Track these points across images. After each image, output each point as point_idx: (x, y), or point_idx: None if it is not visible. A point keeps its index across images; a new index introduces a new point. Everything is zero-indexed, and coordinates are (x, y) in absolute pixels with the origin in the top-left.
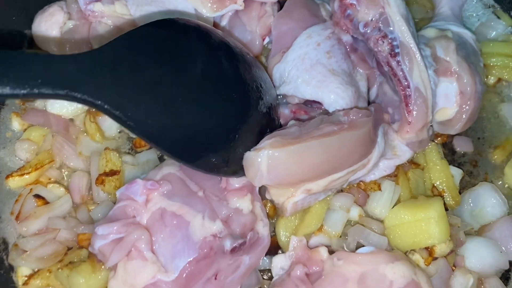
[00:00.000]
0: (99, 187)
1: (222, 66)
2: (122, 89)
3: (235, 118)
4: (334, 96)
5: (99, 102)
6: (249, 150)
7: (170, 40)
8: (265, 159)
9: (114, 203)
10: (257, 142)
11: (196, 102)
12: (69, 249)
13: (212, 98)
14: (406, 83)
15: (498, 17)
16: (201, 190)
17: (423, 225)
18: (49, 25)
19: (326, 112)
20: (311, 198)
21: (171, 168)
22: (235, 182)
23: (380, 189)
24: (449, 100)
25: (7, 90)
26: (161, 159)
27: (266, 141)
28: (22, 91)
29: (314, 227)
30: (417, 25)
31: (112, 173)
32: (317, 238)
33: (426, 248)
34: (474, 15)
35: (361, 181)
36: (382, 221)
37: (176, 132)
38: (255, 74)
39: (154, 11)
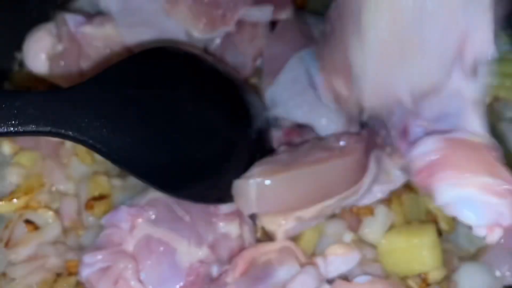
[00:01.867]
0: (88, 212)
1: (211, 94)
2: (108, 123)
3: (224, 147)
4: (326, 120)
5: (84, 138)
6: (238, 177)
7: (159, 70)
8: (254, 188)
9: None
10: (246, 168)
11: (184, 134)
12: (58, 275)
13: (201, 128)
14: None
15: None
16: (188, 215)
17: (416, 252)
18: (36, 51)
19: (318, 136)
20: (302, 225)
21: (157, 193)
22: (224, 207)
23: (373, 214)
24: None
25: None
26: None
27: (255, 169)
28: (5, 130)
29: (306, 254)
30: None
31: (101, 197)
32: None
33: (419, 275)
34: None
35: (353, 205)
36: (375, 247)
37: (163, 165)
38: (245, 99)
39: (144, 32)
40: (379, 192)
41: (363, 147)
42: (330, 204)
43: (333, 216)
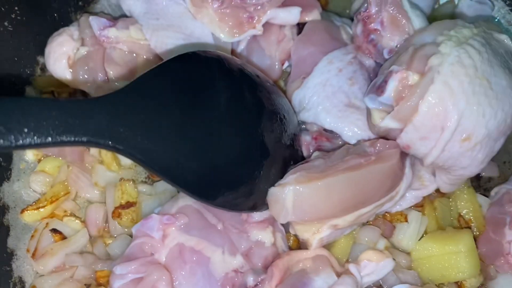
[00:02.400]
0: (115, 220)
1: (246, 99)
2: (144, 131)
3: (259, 154)
4: (355, 128)
5: (122, 147)
6: (273, 185)
7: (190, 77)
8: (290, 196)
9: (131, 236)
10: (281, 175)
11: (219, 140)
12: (87, 286)
13: (237, 133)
14: None
15: None
16: (220, 222)
17: (452, 259)
18: (58, 56)
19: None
20: (337, 233)
21: (187, 200)
22: (257, 215)
23: (406, 221)
24: None
25: (28, 141)
26: None
27: (290, 176)
28: (44, 141)
29: (340, 262)
30: None
31: (129, 205)
32: None
33: (456, 282)
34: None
35: (386, 212)
36: (409, 253)
37: (199, 172)
38: (278, 104)
39: (170, 36)
40: (412, 198)
41: (400, 152)
42: (367, 211)
43: (365, 223)
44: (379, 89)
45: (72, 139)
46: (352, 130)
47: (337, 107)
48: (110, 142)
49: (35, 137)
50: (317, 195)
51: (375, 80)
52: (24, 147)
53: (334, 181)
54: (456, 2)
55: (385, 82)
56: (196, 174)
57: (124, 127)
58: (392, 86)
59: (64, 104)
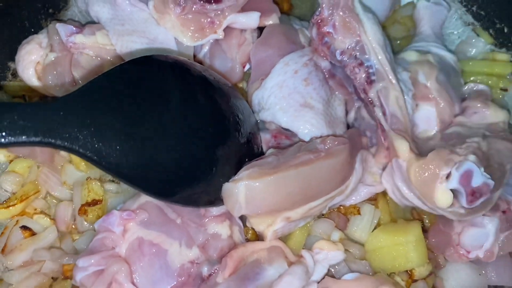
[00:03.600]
0: (82, 217)
1: (199, 101)
2: (97, 132)
3: (214, 151)
4: (309, 126)
5: (74, 146)
6: (228, 180)
7: (147, 78)
8: (243, 190)
9: None
10: (236, 171)
11: (174, 139)
12: (54, 279)
13: (190, 133)
14: (382, 110)
15: (478, 35)
16: (179, 217)
17: (402, 249)
18: (26, 64)
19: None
20: (291, 225)
21: (148, 197)
22: (214, 209)
23: (360, 213)
24: (430, 123)
25: None
26: None
27: (243, 172)
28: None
29: (295, 253)
30: (400, 44)
31: (94, 202)
32: None
33: (406, 271)
34: (454, 32)
35: (341, 205)
36: (363, 245)
37: (154, 171)
38: (233, 105)
39: (135, 41)
40: (366, 193)
41: (348, 148)
42: (317, 204)
43: (320, 216)
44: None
45: (26, 139)
46: (306, 128)
47: (293, 106)
48: (62, 142)
49: None
50: (268, 190)
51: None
52: None
53: (284, 176)
54: (415, 3)
55: None
56: (150, 173)
57: (77, 127)
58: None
59: (17, 107)
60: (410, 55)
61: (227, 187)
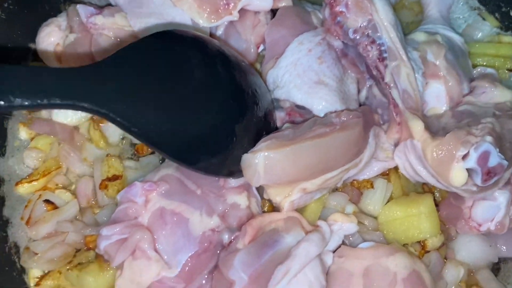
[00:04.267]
0: (103, 191)
1: (219, 74)
2: (126, 97)
3: (233, 122)
4: (323, 102)
5: (104, 110)
6: (247, 152)
7: (169, 51)
8: (261, 161)
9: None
10: (254, 144)
11: (196, 108)
12: (77, 250)
13: (211, 104)
14: (394, 86)
15: (484, 19)
16: (199, 189)
17: (415, 221)
18: (46, 45)
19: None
20: (307, 197)
21: (168, 169)
22: (233, 181)
23: (373, 187)
24: (439, 100)
25: (18, 102)
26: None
27: (262, 144)
28: (33, 103)
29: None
30: (407, 28)
31: (115, 178)
32: None
33: (419, 242)
34: (460, 17)
35: (354, 179)
36: (375, 218)
37: (178, 137)
38: (250, 80)
39: (152, 23)
40: (379, 168)
41: (362, 122)
42: (333, 176)
43: (335, 189)
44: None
45: (59, 102)
46: (321, 104)
47: (307, 84)
48: (93, 106)
49: (26, 99)
50: (286, 160)
51: None
52: (16, 108)
53: (301, 147)
54: None
55: None
56: (175, 140)
57: (107, 92)
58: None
59: (52, 72)
60: (419, 36)
61: (246, 157)
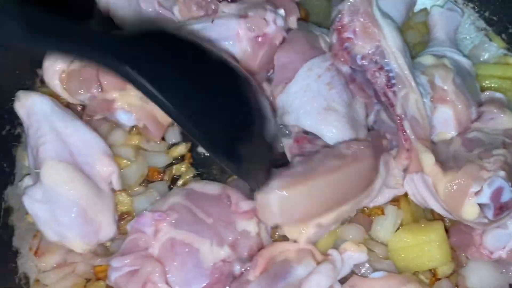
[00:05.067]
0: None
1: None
2: (169, 74)
3: (248, 120)
4: (334, 130)
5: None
6: (260, 160)
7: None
8: (276, 201)
9: None
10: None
11: (220, 98)
12: (88, 280)
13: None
14: (402, 112)
15: (490, 40)
16: (208, 217)
17: (425, 249)
18: (51, 74)
19: (327, 144)
20: (322, 231)
21: (177, 197)
22: (244, 204)
23: (383, 214)
24: (447, 125)
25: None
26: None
27: (274, 182)
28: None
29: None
30: (413, 49)
31: (123, 216)
32: None
33: (430, 270)
34: (467, 37)
35: (365, 207)
36: (386, 245)
37: (207, 122)
38: (261, 98)
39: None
40: (389, 195)
41: (373, 152)
42: (347, 209)
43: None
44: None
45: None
46: (331, 131)
47: (317, 110)
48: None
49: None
50: (300, 199)
51: None
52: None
53: (315, 185)
54: (429, 9)
55: None
56: (205, 123)
57: (143, 63)
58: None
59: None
60: (427, 59)
61: (261, 197)
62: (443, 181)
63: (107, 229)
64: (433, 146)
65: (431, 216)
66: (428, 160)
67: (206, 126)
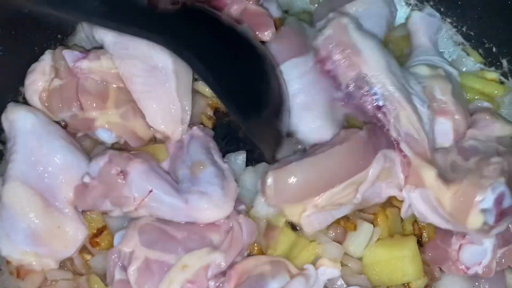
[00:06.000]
0: (96, 248)
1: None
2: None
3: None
4: (314, 127)
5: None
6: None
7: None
8: (271, 181)
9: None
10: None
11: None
12: None
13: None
14: (396, 131)
15: (468, 54)
16: (180, 233)
17: (398, 264)
18: (32, 93)
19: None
20: (325, 215)
21: (147, 219)
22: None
23: (355, 230)
24: (447, 136)
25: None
26: None
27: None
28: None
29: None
30: None
31: (100, 232)
32: None
33: (403, 284)
34: (445, 52)
35: (341, 218)
36: (360, 259)
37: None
38: (279, 74)
39: (136, 65)
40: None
41: (364, 135)
42: (339, 190)
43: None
44: None
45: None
46: (310, 127)
47: (294, 107)
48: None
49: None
50: (289, 177)
51: None
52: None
53: (303, 163)
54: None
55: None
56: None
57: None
58: None
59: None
60: (422, 70)
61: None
62: (447, 194)
63: (63, 252)
64: (433, 156)
65: (407, 231)
66: (429, 174)
67: (236, 92)
